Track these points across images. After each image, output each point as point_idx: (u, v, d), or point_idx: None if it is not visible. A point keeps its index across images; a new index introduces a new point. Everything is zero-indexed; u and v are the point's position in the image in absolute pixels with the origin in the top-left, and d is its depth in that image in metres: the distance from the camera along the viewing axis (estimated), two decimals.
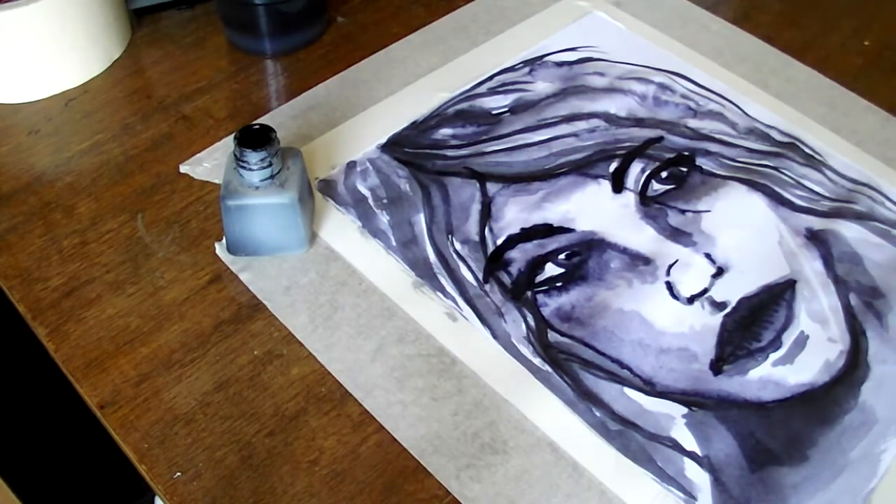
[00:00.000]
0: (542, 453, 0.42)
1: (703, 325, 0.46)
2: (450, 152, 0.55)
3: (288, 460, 0.42)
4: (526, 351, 0.45)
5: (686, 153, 0.55)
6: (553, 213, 0.51)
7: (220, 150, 0.55)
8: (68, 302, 0.47)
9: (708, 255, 0.49)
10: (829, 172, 0.55)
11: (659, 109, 0.58)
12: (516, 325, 0.46)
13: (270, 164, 0.45)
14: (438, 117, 0.57)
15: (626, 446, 0.42)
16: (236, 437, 0.42)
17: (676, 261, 0.49)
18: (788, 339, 0.46)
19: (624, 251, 0.49)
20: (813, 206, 0.53)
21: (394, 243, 0.50)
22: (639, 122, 0.57)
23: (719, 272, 0.49)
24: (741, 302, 0.47)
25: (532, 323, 0.46)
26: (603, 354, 0.45)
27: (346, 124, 0.57)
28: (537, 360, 0.45)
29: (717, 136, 0.56)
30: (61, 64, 0.58)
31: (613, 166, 0.54)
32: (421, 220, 0.51)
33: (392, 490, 0.41)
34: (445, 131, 0.56)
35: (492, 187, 0.53)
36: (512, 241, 0.50)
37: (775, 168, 0.55)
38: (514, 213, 0.51)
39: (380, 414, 0.43)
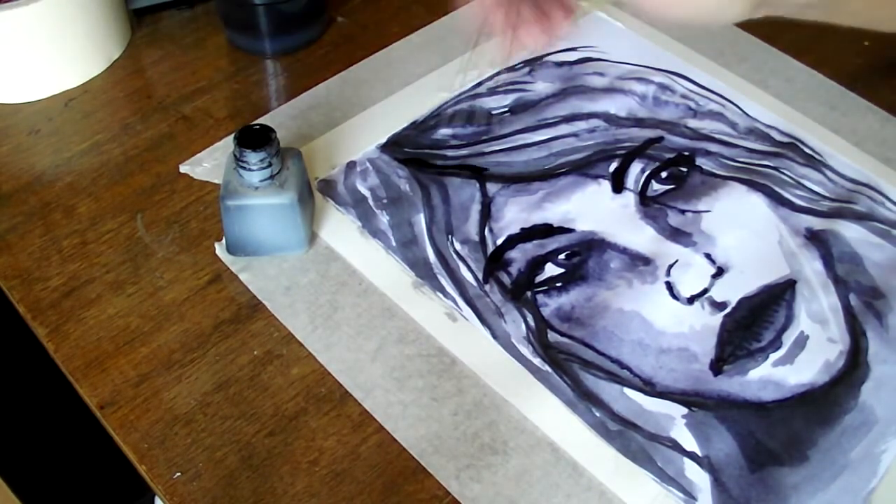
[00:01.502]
0: (542, 453, 0.42)
1: (703, 325, 0.46)
2: (450, 152, 0.55)
3: (288, 460, 0.42)
4: (526, 351, 0.45)
5: (686, 153, 0.55)
6: (553, 213, 0.51)
7: (220, 150, 0.55)
8: (68, 302, 0.47)
9: (708, 255, 0.49)
10: (829, 172, 0.55)
11: (659, 109, 0.58)
12: (516, 325, 0.46)
13: (270, 165, 0.45)
14: (438, 117, 0.57)
15: (626, 446, 0.42)
16: (236, 438, 0.42)
17: (676, 261, 0.49)
18: (788, 339, 0.46)
19: (624, 251, 0.49)
20: (813, 206, 0.53)
21: (394, 243, 0.50)
22: (639, 122, 0.57)
23: (719, 272, 0.48)
24: (741, 302, 0.47)
25: (532, 323, 0.46)
26: (603, 354, 0.45)
27: (346, 124, 0.57)
28: (537, 361, 0.45)
29: (717, 136, 0.56)
30: (61, 64, 0.58)
31: (613, 166, 0.54)
32: (421, 220, 0.51)
33: (392, 490, 0.41)
34: (445, 131, 0.56)
35: (492, 187, 0.53)
36: (512, 242, 0.50)
37: (775, 168, 0.55)
38: (514, 214, 0.51)
39: (380, 414, 0.43)
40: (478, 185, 0.53)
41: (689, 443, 0.42)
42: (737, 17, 0.32)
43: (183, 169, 0.54)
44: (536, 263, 0.49)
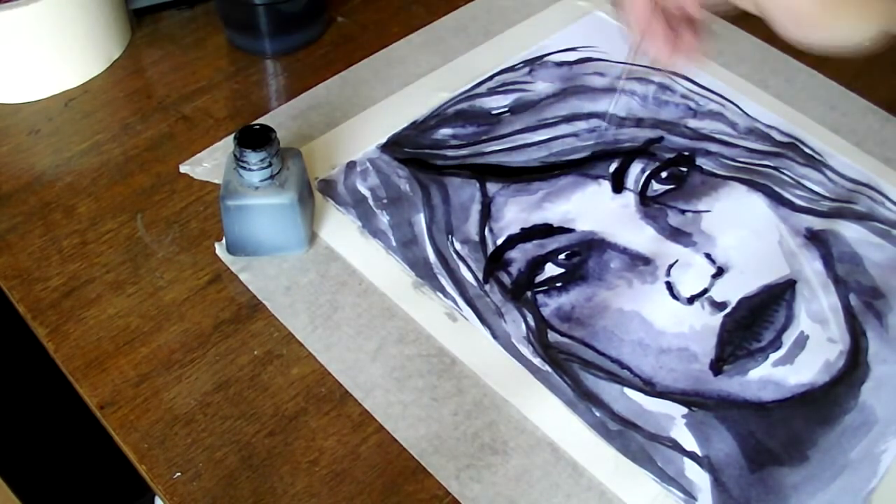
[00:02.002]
0: (542, 453, 0.42)
1: (703, 325, 0.46)
2: (450, 152, 0.55)
3: (288, 460, 0.42)
4: (526, 351, 0.45)
5: (686, 153, 0.55)
6: (553, 213, 0.51)
7: (220, 150, 0.55)
8: (68, 302, 0.47)
9: (708, 255, 0.49)
10: (829, 172, 0.55)
11: (659, 109, 0.58)
12: (516, 325, 0.46)
13: (270, 165, 0.45)
14: (438, 117, 0.57)
15: (626, 446, 0.42)
16: (236, 438, 0.42)
17: (676, 261, 0.49)
18: (788, 339, 0.46)
19: (624, 251, 0.49)
20: (813, 206, 0.53)
21: (394, 243, 0.50)
22: (639, 122, 0.57)
23: (719, 272, 0.48)
24: (741, 302, 0.47)
25: (532, 323, 0.46)
26: (603, 354, 0.45)
27: (346, 124, 0.57)
28: (537, 361, 0.45)
29: (717, 136, 0.56)
30: (61, 64, 0.58)
31: (613, 166, 0.54)
32: (421, 220, 0.51)
33: (392, 490, 0.41)
34: (445, 131, 0.56)
35: (492, 187, 0.53)
36: (512, 241, 0.50)
37: (775, 168, 0.55)
38: (514, 213, 0.51)
39: (380, 414, 0.43)
40: (478, 185, 0.53)
41: (689, 443, 0.42)
42: (875, 34, 0.32)
43: (183, 169, 0.54)
44: (536, 263, 0.49)
